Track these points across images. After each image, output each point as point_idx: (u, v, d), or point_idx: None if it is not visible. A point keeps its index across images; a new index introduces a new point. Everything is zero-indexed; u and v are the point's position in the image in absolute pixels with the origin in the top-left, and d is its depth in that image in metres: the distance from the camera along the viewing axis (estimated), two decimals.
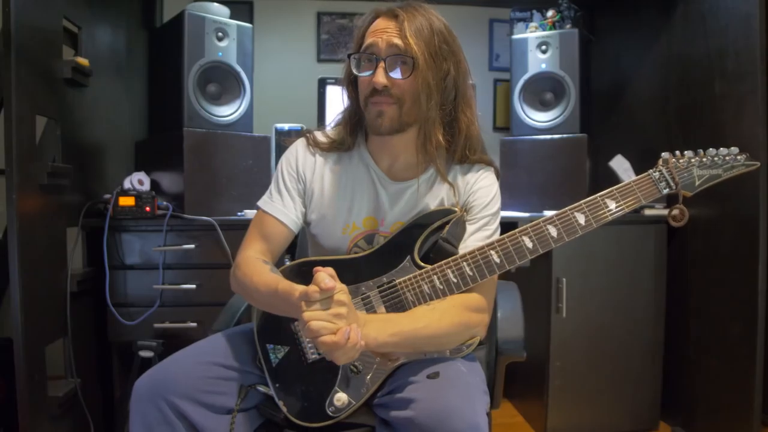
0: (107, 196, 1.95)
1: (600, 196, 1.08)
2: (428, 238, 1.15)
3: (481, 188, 1.21)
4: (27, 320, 1.55)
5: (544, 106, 2.42)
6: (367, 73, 1.12)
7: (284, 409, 1.09)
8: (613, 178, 2.22)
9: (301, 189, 1.23)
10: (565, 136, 2.33)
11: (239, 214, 2.05)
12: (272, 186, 1.25)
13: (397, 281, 1.11)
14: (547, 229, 1.07)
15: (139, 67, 2.42)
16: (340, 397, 1.07)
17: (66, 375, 1.80)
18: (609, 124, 2.64)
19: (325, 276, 0.92)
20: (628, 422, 2.23)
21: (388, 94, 1.10)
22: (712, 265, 2.07)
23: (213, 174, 2.05)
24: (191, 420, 1.05)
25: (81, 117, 1.91)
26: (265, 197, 1.25)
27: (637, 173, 2.25)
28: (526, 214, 2.18)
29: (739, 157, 1.11)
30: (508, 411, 2.48)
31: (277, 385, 1.11)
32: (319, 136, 1.25)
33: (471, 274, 1.08)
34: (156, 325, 1.95)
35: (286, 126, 2.35)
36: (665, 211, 2.22)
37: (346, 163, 1.23)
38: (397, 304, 1.10)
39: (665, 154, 1.10)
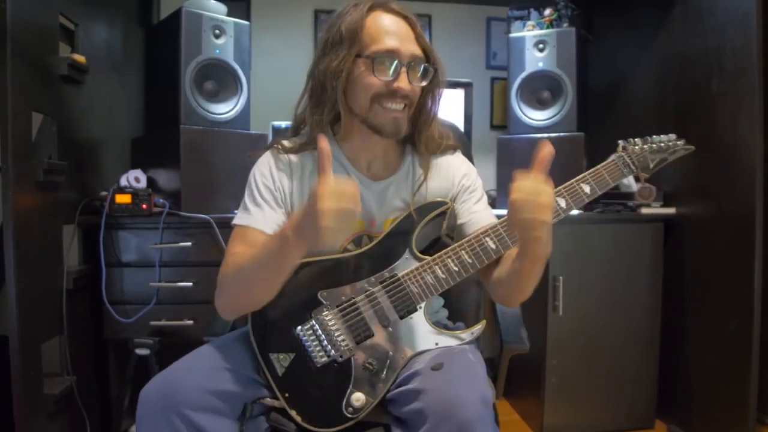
0: (104, 193, 1.95)
1: (576, 181, 1.15)
2: (423, 231, 1.16)
3: (463, 169, 1.26)
4: (23, 317, 1.54)
5: (541, 104, 2.42)
6: (389, 78, 1.10)
7: (298, 418, 1.06)
8: None
9: (279, 198, 1.18)
10: (562, 134, 2.33)
11: (236, 212, 2.04)
12: (247, 201, 1.19)
13: (400, 274, 1.11)
14: None
15: (136, 65, 2.41)
16: (359, 397, 1.05)
17: (62, 372, 1.80)
18: (606, 123, 2.64)
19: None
20: (625, 420, 2.24)
21: (403, 99, 1.12)
22: (708, 263, 2.08)
23: (210, 172, 2.05)
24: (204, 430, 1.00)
25: (77, 114, 1.91)
26: (240, 214, 1.18)
27: None
28: None
29: (678, 143, 1.24)
30: (504, 409, 2.48)
31: (287, 394, 1.07)
32: (286, 144, 1.21)
33: (470, 261, 1.10)
34: (152, 323, 1.94)
35: (283, 123, 2.34)
36: (662, 210, 2.23)
37: None
38: (402, 297, 1.10)
39: (622, 142, 1.23)
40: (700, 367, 2.12)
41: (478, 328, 1.14)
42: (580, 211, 2.23)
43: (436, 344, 1.11)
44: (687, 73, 2.16)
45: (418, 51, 1.12)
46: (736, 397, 1.93)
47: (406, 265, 1.13)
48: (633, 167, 1.20)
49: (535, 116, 2.40)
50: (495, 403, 1.10)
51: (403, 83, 1.10)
